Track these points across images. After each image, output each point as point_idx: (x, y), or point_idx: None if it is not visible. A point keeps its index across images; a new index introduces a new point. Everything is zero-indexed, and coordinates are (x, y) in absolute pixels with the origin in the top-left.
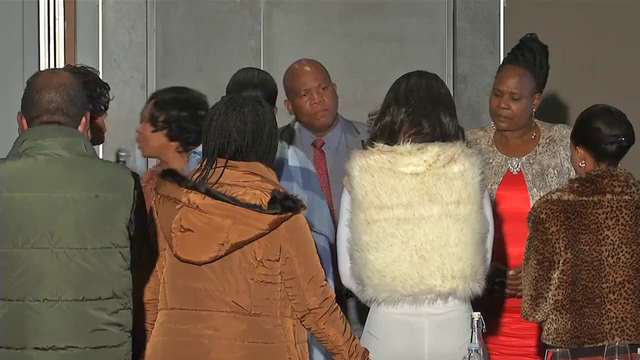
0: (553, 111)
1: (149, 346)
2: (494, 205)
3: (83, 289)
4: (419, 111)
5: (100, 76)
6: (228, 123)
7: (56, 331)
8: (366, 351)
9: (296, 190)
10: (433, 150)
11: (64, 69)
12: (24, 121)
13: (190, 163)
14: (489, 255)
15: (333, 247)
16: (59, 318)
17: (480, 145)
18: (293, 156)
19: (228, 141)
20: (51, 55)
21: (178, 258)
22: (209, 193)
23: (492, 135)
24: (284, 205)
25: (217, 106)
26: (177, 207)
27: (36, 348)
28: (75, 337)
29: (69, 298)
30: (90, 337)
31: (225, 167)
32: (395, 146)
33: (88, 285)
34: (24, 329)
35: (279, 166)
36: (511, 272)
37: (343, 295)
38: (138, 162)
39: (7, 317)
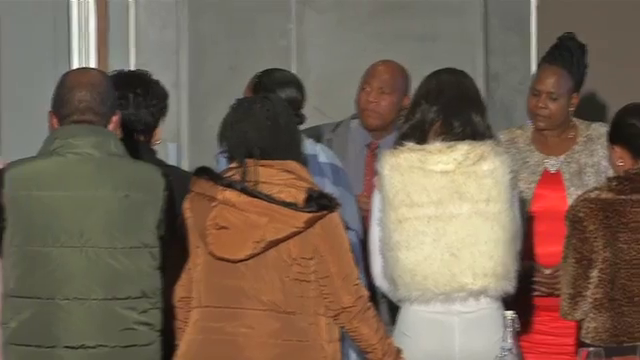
0: (590, 110)
1: (182, 344)
2: (531, 204)
3: (112, 288)
4: (449, 109)
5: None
6: (243, 127)
7: (86, 330)
8: (399, 350)
9: (327, 186)
10: (463, 148)
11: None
12: (54, 120)
13: (220, 163)
14: (519, 254)
15: (362, 243)
16: (89, 317)
17: (518, 144)
18: (322, 152)
19: (249, 145)
20: (82, 54)
21: (213, 256)
22: (245, 191)
23: (530, 134)
24: (319, 203)
25: (228, 116)
26: (212, 205)
27: (66, 347)
28: (105, 336)
29: (98, 297)
30: (120, 336)
31: (259, 166)
32: (425, 144)
33: (117, 284)
34: (54, 328)
35: (310, 163)
36: (548, 271)
37: (377, 294)
38: None
39: (37, 316)
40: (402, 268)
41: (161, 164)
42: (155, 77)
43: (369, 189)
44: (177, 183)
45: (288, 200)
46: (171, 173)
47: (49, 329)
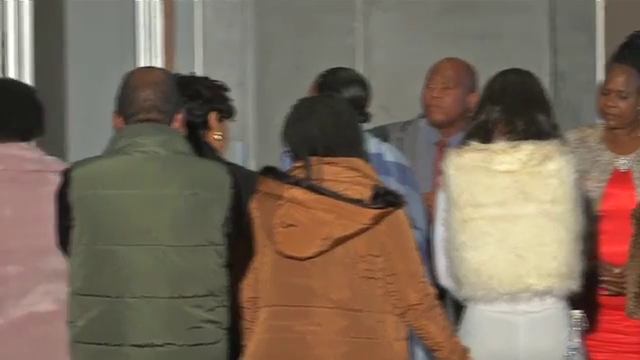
0: None
1: (251, 344)
2: (601, 203)
3: (179, 286)
4: (513, 109)
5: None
6: (305, 125)
7: (153, 328)
8: (466, 348)
9: (393, 185)
10: (527, 148)
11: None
12: (119, 120)
13: (284, 163)
14: (585, 253)
15: (428, 241)
16: (156, 315)
17: (588, 143)
18: (387, 151)
19: (312, 141)
20: (149, 54)
21: (281, 254)
22: (312, 188)
23: (600, 133)
24: (386, 200)
25: (290, 114)
26: (279, 203)
27: (133, 345)
28: (172, 334)
29: (165, 295)
30: (187, 334)
31: (323, 164)
32: (489, 144)
33: (184, 282)
34: (121, 326)
35: (376, 161)
36: (617, 270)
37: (445, 293)
38: None
39: (104, 314)
40: (467, 268)
41: (224, 162)
42: (221, 76)
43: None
44: (241, 181)
45: (354, 197)
46: (235, 172)
47: (116, 327)
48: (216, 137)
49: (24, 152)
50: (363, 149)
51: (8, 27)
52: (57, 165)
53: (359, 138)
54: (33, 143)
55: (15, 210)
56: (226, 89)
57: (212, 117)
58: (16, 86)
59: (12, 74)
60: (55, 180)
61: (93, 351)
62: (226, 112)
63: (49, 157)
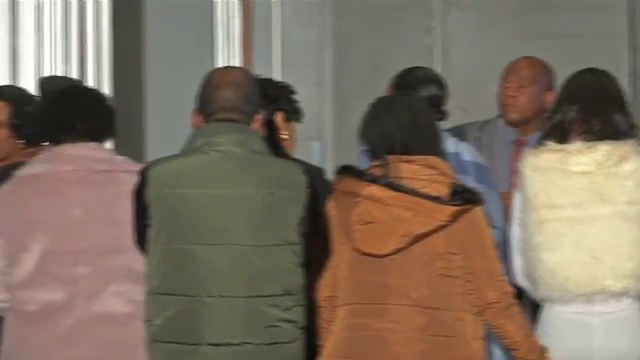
0: None
1: (329, 342)
2: None
3: (255, 286)
4: (589, 109)
5: (276, 75)
6: (383, 123)
7: (230, 327)
8: (544, 348)
9: (471, 184)
10: (604, 149)
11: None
12: (198, 118)
13: (361, 162)
14: None
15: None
16: (233, 314)
17: None
18: (465, 151)
19: (390, 139)
20: (227, 54)
21: (359, 252)
22: (390, 185)
23: None
24: (464, 197)
25: (367, 113)
26: (356, 201)
27: (210, 344)
28: (249, 333)
29: (242, 294)
30: (263, 333)
31: (401, 162)
32: (565, 145)
33: (260, 282)
34: (198, 325)
35: (454, 160)
36: None
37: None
38: None
39: (181, 313)
40: (544, 269)
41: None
42: (298, 76)
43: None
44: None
45: (433, 194)
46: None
47: (194, 326)
48: (283, 137)
49: (93, 152)
50: (441, 147)
51: (87, 28)
52: (127, 165)
53: (437, 136)
54: (105, 144)
55: (84, 210)
56: (292, 90)
57: (278, 117)
58: (84, 89)
59: (91, 75)
60: (126, 180)
61: (170, 350)
62: (292, 112)
63: (119, 157)
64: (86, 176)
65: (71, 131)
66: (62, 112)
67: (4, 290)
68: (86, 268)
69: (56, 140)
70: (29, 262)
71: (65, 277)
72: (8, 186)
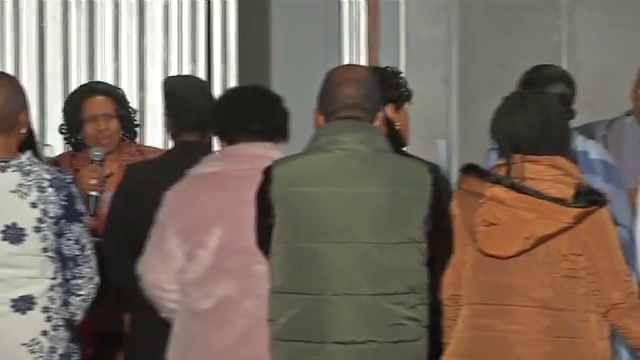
0: None
1: (452, 341)
2: None
3: (380, 284)
4: None
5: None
6: (514, 121)
7: (355, 325)
8: None
9: (598, 183)
10: None
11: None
12: (320, 117)
13: (490, 159)
14: None
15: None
16: (357, 312)
17: None
18: (593, 149)
19: (518, 138)
20: (353, 52)
21: (482, 252)
22: (513, 187)
23: None
24: (589, 199)
25: (500, 107)
26: (480, 202)
27: (335, 342)
28: (374, 331)
29: (367, 292)
30: (389, 332)
31: (526, 162)
32: None
33: (385, 280)
34: (323, 323)
35: (582, 159)
36: None
37: None
38: None
39: (306, 311)
40: None
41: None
42: (425, 74)
43: None
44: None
45: (557, 196)
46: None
47: (318, 325)
48: (397, 127)
49: (269, 152)
50: (569, 147)
51: (214, 27)
52: None
53: (566, 137)
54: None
55: None
56: (396, 73)
57: (389, 109)
58: (259, 89)
59: (218, 74)
60: None
61: (295, 348)
62: (402, 98)
63: None
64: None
65: (245, 131)
66: (236, 112)
67: (179, 290)
68: (261, 267)
69: (230, 139)
70: (205, 259)
71: (239, 274)
72: (182, 184)
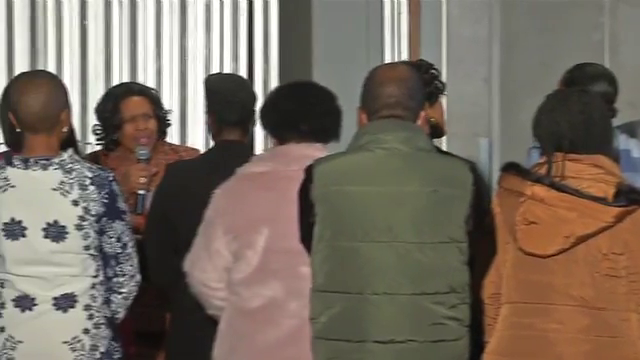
0: None
1: (493, 340)
2: None
3: (421, 283)
4: None
5: (443, 71)
6: (556, 119)
7: (395, 325)
8: None
9: None
10: None
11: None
12: (363, 116)
13: (531, 158)
14: None
15: None
16: (398, 312)
17: None
18: (635, 148)
19: (560, 136)
20: (394, 51)
21: (522, 251)
22: (553, 186)
23: None
24: (630, 198)
25: (543, 104)
26: (521, 200)
27: (375, 341)
28: (414, 331)
29: (407, 292)
30: (429, 331)
31: (567, 160)
32: None
33: (426, 279)
34: (363, 322)
35: (623, 158)
36: None
37: None
38: None
39: (347, 310)
40: None
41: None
42: (466, 72)
43: None
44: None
45: (597, 195)
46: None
47: (359, 324)
48: (431, 121)
49: (318, 153)
50: (611, 146)
51: (256, 26)
52: None
53: (608, 136)
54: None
55: None
56: (429, 66)
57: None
58: (312, 87)
59: (259, 74)
60: None
61: (336, 347)
62: (437, 92)
63: None
64: None
65: (295, 131)
66: (287, 111)
67: (225, 288)
68: (307, 268)
69: (280, 138)
70: (253, 258)
71: (285, 275)
72: (231, 183)
